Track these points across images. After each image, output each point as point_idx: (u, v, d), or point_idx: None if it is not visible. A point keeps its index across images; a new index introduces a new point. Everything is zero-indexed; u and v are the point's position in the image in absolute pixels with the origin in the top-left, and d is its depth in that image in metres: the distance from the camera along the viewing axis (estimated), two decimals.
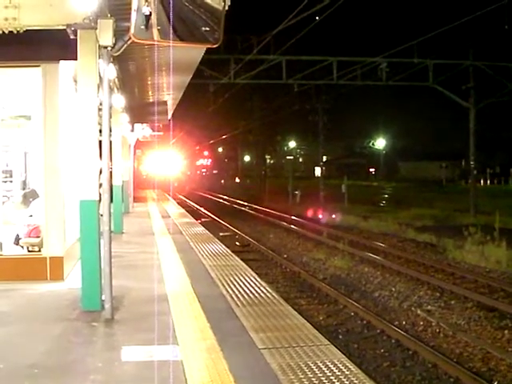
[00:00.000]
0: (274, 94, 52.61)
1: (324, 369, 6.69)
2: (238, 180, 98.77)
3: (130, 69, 16.99)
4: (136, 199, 37.43)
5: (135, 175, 41.45)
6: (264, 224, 34.92)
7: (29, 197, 13.04)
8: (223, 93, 42.29)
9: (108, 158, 8.99)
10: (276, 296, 10.64)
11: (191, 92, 27.85)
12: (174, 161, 61.41)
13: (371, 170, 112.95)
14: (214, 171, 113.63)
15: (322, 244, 25.45)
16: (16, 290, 10.79)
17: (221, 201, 59.12)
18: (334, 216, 36.26)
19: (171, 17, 7.52)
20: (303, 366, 6.79)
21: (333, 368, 6.72)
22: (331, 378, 6.42)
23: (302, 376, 6.45)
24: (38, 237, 12.13)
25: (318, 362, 6.93)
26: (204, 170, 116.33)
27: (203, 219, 34.81)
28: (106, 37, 8.48)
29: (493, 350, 11.42)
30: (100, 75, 9.28)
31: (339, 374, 6.55)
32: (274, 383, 6.30)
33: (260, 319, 8.85)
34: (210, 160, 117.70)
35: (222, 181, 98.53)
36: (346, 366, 6.79)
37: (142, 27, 7.72)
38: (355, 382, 6.33)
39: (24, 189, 15.13)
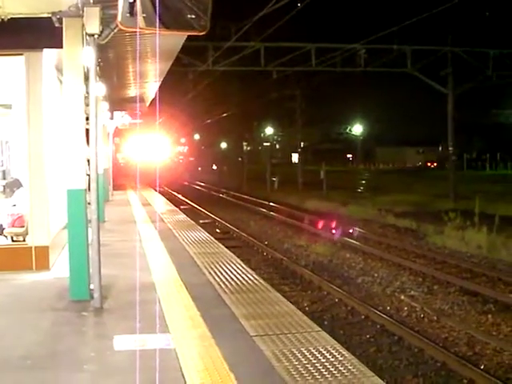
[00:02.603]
0: (252, 81, 52.51)
1: (318, 355, 6.72)
2: (214, 167, 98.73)
3: (110, 56, 16.86)
4: (114, 187, 37.18)
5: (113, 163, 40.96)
6: (243, 211, 34.96)
7: (12, 186, 12.93)
8: (201, 80, 42.10)
9: (95, 146, 8.94)
10: (263, 283, 10.66)
11: (168, 79, 27.64)
12: (156, 145, 59.81)
13: (348, 155, 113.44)
14: (191, 158, 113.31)
15: (303, 230, 25.50)
16: (1, 281, 10.70)
17: (199, 188, 59.11)
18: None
19: (156, 4, 7.44)
20: (297, 352, 6.81)
21: (326, 354, 6.75)
22: (325, 364, 6.45)
23: (297, 363, 6.48)
24: (23, 226, 12.05)
25: (311, 348, 6.96)
26: (181, 157, 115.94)
27: (182, 207, 34.72)
28: (93, 25, 8.40)
29: (477, 335, 11.55)
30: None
31: (333, 360, 6.58)
32: (268, 370, 6.31)
33: (249, 306, 8.86)
34: (186, 147, 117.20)
35: (199, 168, 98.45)
36: (340, 352, 6.82)
37: (128, 15, 7.63)
38: (349, 367, 6.36)
39: (5, 178, 15.01)
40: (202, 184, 64.07)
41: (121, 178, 45.91)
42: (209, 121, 72.76)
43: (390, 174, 70.09)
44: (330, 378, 6.07)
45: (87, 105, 9.52)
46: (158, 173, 49.17)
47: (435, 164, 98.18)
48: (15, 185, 12.77)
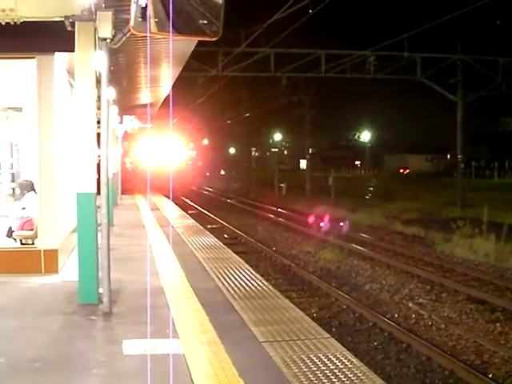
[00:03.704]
0: (261, 87, 52.53)
1: (327, 362, 6.71)
2: (223, 172, 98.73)
3: (121, 60, 16.91)
4: (122, 192, 37.14)
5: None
6: (251, 216, 34.91)
7: (23, 188, 12.92)
8: (211, 85, 42.09)
9: (106, 150, 8.95)
10: (272, 289, 10.66)
11: (178, 84, 27.66)
12: (165, 150, 59.13)
13: (356, 162, 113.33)
14: (199, 163, 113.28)
15: (311, 237, 25.44)
16: (10, 284, 10.71)
17: (207, 193, 59.10)
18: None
19: (168, 9, 7.44)
20: (306, 359, 6.81)
21: (335, 361, 6.74)
22: (335, 371, 6.44)
23: (306, 369, 6.47)
24: (32, 229, 12.06)
25: (321, 355, 6.95)
26: (189, 162, 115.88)
27: (190, 211, 34.70)
28: (106, 29, 8.40)
29: (486, 343, 11.50)
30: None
31: (342, 367, 6.57)
32: (278, 376, 6.31)
33: (258, 312, 8.86)
34: (194, 152, 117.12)
35: (208, 173, 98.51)
36: (349, 360, 6.81)
37: (140, 19, 7.64)
38: (359, 375, 6.35)
39: (13, 181, 15.04)
40: (210, 189, 64.09)
41: (129, 183, 45.86)
42: (221, 124, 72.65)
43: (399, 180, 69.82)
44: None
45: (98, 108, 9.55)
46: (171, 178, 48.46)
47: (407, 171, 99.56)
48: (27, 187, 12.74)
